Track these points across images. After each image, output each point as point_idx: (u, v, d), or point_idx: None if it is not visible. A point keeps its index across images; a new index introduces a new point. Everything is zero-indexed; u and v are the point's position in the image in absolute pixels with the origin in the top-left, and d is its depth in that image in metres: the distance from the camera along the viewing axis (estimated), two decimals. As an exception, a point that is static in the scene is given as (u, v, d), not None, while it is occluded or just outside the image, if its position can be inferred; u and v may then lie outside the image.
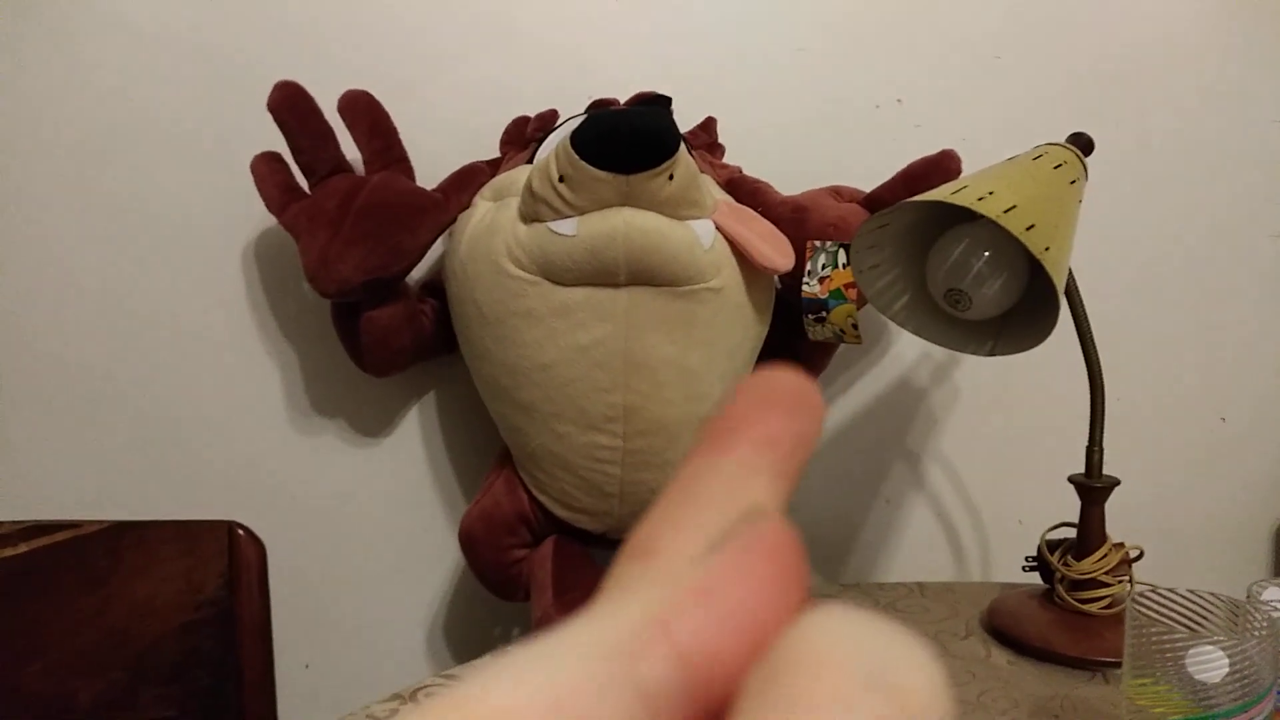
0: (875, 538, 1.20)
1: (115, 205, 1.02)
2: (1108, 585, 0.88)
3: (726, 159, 1.08)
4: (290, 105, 0.90)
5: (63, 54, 1.00)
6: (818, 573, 1.20)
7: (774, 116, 1.11)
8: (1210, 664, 0.57)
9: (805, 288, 0.94)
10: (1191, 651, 0.57)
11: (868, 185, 1.01)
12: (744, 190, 1.00)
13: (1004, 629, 0.90)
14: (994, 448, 1.20)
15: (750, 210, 0.93)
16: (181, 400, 1.05)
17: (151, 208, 1.03)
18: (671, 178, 0.81)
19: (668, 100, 0.96)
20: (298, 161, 0.93)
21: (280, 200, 0.92)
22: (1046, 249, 0.74)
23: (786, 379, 0.16)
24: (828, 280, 0.93)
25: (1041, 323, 0.78)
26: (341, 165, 0.94)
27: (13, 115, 1.00)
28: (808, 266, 0.93)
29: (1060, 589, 0.90)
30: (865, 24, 1.13)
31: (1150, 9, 1.16)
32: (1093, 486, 0.89)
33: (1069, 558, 0.90)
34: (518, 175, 0.90)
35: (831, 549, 1.20)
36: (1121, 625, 0.64)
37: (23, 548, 0.87)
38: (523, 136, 1.02)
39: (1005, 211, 0.74)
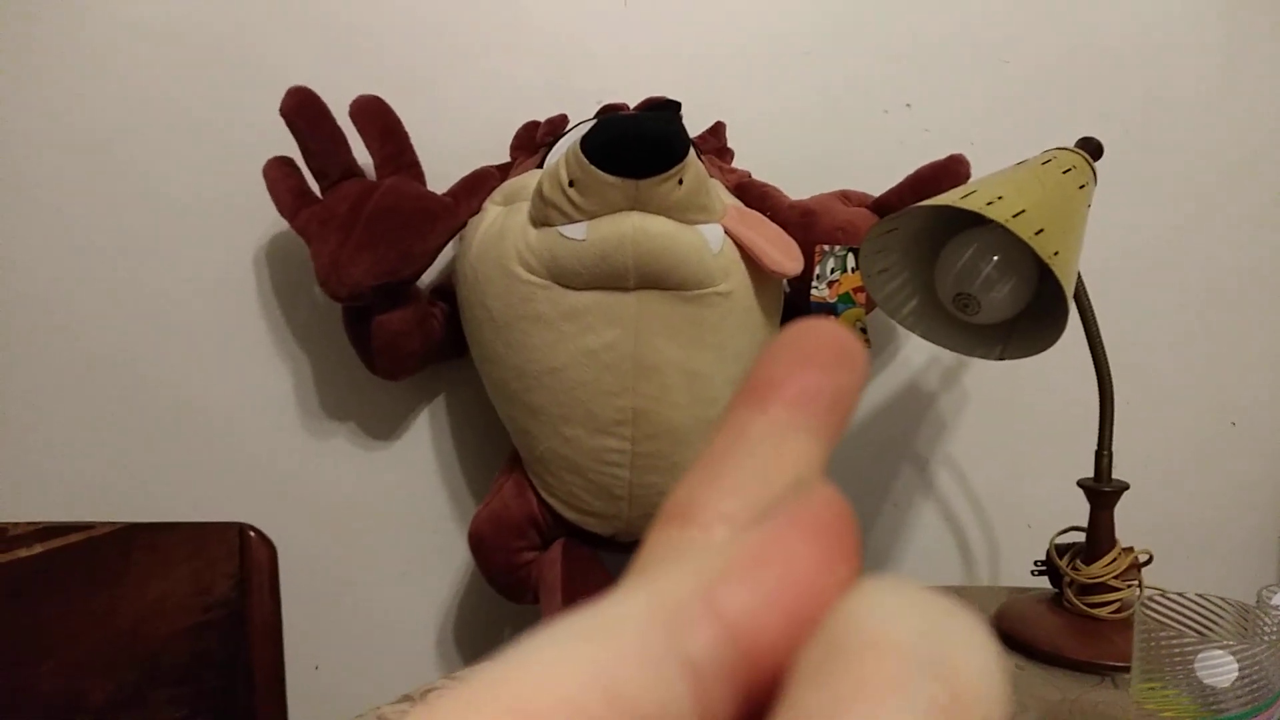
0: (884, 542, 1.20)
1: (129, 207, 1.03)
2: (1117, 589, 0.88)
3: (736, 163, 1.08)
4: (302, 111, 0.91)
5: (77, 56, 1.01)
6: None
7: (783, 121, 1.12)
8: (1220, 668, 0.57)
9: (814, 292, 0.94)
10: (1201, 656, 0.57)
11: (876, 189, 1.01)
12: (753, 194, 1.00)
13: (1013, 633, 0.90)
14: (1003, 451, 1.20)
15: (759, 214, 0.94)
16: (194, 403, 1.06)
17: (165, 210, 1.04)
18: (681, 182, 0.82)
19: (677, 105, 0.96)
20: (310, 166, 0.94)
21: (292, 205, 0.93)
22: (1055, 253, 0.74)
23: (825, 330, 0.15)
24: (836, 284, 0.93)
25: (1050, 327, 0.78)
26: (353, 170, 0.94)
27: (27, 116, 1.01)
28: (816, 271, 0.94)
29: (1069, 593, 0.90)
30: (874, 28, 1.13)
31: (1158, 14, 1.16)
32: (1102, 491, 0.89)
33: (1078, 562, 0.90)
34: (528, 180, 0.90)
35: (840, 553, 1.20)
36: (1130, 630, 0.64)
37: (36, 549, 0.87)
38: (533, 141, 1.02)
39: (1014, 216, 0.74)
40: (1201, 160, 1.19)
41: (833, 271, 0.93)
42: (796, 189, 1.03)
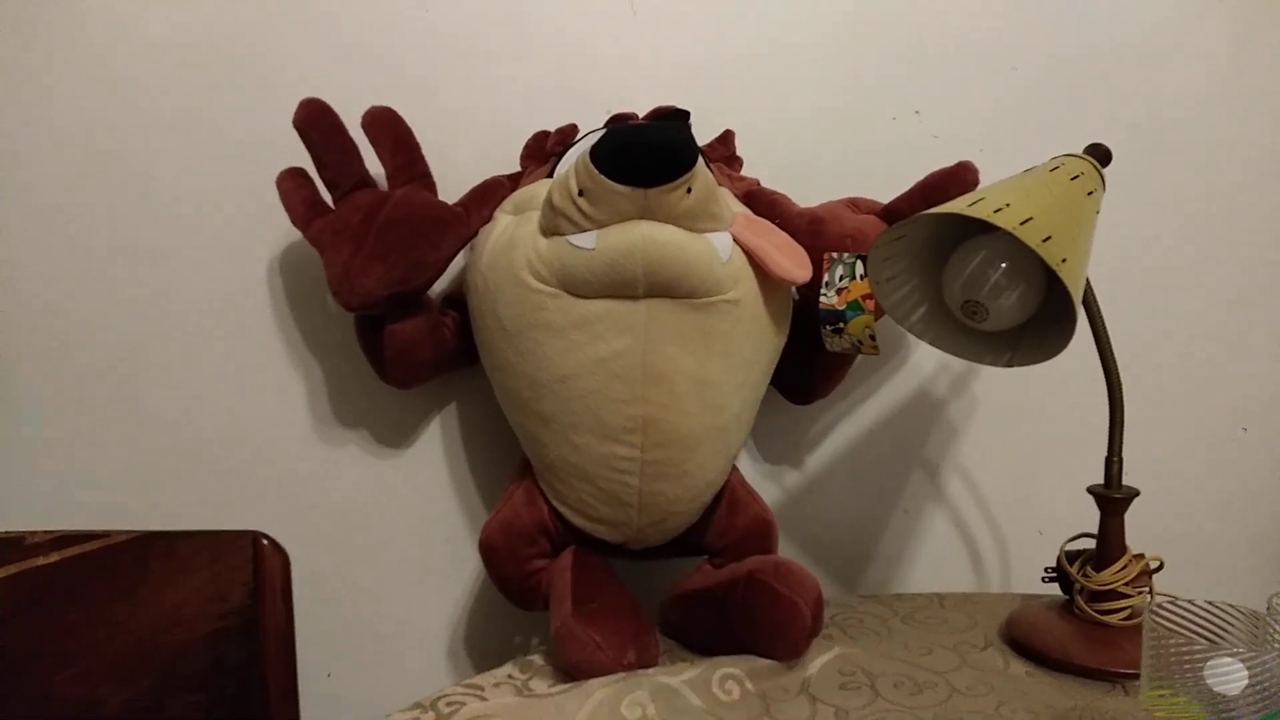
0: (894, 549, 1.20)
1: (142, 216, 1.04)
2: (1128, 596, 0.88)
3: (744, 171, 1.09)
4: (315, 122, 0.92)
5: (89, 68, 1.02)
6: (836, 583, 1.20)
7: (792, 128, 1.12)
8: (1229, 676, 0.57)
9: (823, 299, 0.94)
10: (1211, 663, 0.57)
11: (885, 196, 1.01)
12: (762, 202, 1.01)
13: (1023, 640, 0.90)
14: (1013, 458, 1.20)
15: (768, 222, 0.94)
16: (208, 413, 1.07)
17: (179, 221, 1.05)
18: (690, 191, 0.82)
19: (686, 114, 0.96)
20: (322, 177, 0.95)
21: (305, 215, 0.94)
22: (1063, 260, 0.74)
23: None
24: (845, 292, 0.93)
25: (1059, 334, 0.78)
26: (365, 180, 0.95)
27: (34, 125, 1.02)
28: (825, 278, 0.94)
29: (1080, 600, 0.90)
30: (882, 36, 1.13)
31: (1165, 19, 1.16)
32: (1112, 497, 0.89)
33: (1088, 568, 0.90)
34: (538, 189, 0.91)
35: (850, 560, 1.20)
36: (1140, 637, 0.64)
37: (53, 557, 0.88)
38: (542, 151, 1.03)
39: (1022, 223, 0.74)
40: (1210, 165, 1.18)
41: (841, 279, 0.93)
42: (805, 196, 1.04)
